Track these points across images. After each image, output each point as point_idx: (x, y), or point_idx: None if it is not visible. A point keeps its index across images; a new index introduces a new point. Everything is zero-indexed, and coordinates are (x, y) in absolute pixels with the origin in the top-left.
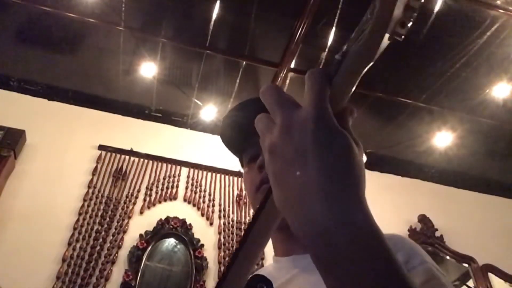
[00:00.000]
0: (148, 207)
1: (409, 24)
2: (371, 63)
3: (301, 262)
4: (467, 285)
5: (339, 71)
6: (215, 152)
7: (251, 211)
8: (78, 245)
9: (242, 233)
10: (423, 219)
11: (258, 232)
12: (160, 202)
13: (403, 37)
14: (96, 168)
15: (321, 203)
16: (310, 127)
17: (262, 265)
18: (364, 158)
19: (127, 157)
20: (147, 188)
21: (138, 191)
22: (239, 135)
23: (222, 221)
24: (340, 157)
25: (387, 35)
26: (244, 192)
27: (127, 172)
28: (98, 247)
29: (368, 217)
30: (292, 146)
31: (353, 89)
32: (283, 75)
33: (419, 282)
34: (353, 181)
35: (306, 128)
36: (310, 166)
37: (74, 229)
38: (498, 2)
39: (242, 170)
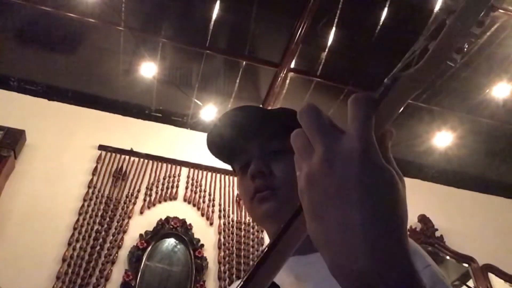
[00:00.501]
0: (148, 207)
1: (465, 49)
2: (421, 90)
3: (300, 265)
4: (467, 285)
5: (389, 96)
6: None
7: None
8: (78, 245)
9: (242, 233)
10: (423, 219)
11: (280, 252)
12: (160, 202)
13: (458, 62)
14: (96, 168)
15: (364, 249)
16: (355, 162)
17: None
18: None
19: (127, 157)
20: (147, 188)
21: (138, 191)
22: (237, 135)
23: (222, 221)
24: (385, 196)
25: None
26: None
27: (127, 172)
28: (98, 247)
29: (411, 266)
30: (333, 180)
31: (398, 113)
32: (283, 75)
33: None
34: (397, 223)
35: (350, 162)
36: (353, 205)
37: (74, 229)
38: None
39: None
